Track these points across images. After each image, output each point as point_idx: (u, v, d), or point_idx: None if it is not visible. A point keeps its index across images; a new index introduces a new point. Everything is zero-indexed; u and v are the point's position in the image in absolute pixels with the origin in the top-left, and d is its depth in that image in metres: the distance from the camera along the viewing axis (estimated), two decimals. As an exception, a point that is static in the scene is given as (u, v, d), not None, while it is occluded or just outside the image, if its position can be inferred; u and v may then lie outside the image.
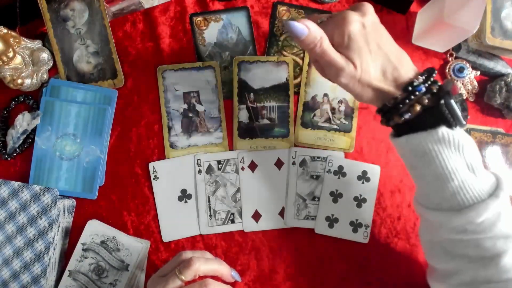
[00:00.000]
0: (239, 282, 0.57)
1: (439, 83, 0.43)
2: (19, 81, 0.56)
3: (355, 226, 0.58)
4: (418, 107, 0.42)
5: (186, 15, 0.62)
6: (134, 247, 0.55)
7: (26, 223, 0.52)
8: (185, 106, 0.60)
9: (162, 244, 0.58)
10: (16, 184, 0.52)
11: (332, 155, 0.59)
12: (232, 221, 0.58)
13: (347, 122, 0.60)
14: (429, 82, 0.42)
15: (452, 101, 0.41)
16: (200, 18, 0.62)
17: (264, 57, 0.61)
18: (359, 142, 0.60)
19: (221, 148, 0.60)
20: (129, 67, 0.61)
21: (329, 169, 0.59)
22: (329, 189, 0.59)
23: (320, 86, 0.61)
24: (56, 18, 0.58)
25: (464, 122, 0.42)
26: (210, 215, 0.58)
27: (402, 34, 0.63)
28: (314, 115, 0.61)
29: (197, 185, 0.58)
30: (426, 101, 0.42)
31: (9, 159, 0.58)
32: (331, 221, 0.58)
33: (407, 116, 0.42)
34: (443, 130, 0.41)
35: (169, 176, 0.58)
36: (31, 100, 0.59)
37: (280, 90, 0.61)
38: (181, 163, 0.59)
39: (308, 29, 0.42)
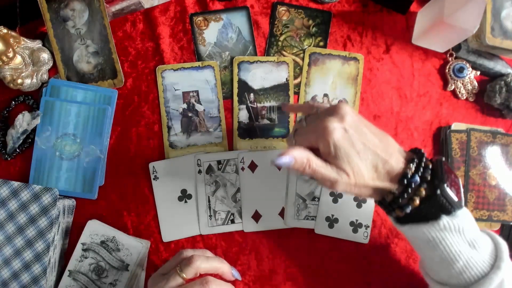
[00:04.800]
0: (239, 281, 0.57)
1: (430, 167, 0.43)
2: (19, 81, 0.56)
3: (355, 226, 0.58)
4: (417, 201, 0.42)
5: (186, 15, 0.62)
6: (134, 247, 0.55)
7: (26, 223, 0.52)
8: (185, 105, 0.60)
9: (162, 244, 0.58)
10: (16, 184, 0.52)
11: (332, 155, 0.59)
12: (232, 221, 0.58)
13: (347, 122, 0.60)
14: (421, 169, 0.43)
15: (447, 189, 0.41)
16: (200, 18, 0.62)
17: (264, 57, 0.61)
18: (359, 142, 0.60)
19: (220, 148, 0.60)
20: (129, 67, 0.61)
21: (329, 169, 0.59)
22: (329, 189, 0.59)
23: (320, 86, 0.61)
24: (56, 18, 0.58)
25: (462, 205, 0.43)
26: (210, 215, 0.58)
27: (402, 34, 0.63)
28: (314, 115, 0.61)
29: (197, 185, 0.58)
30: (424, 192, 0.42)
31: (9, 159, 0.58)
32: (331, 221, 0.58)
33: (408, 210, 0.43)
34: (444, 220, 0.42)
35: (169, 176, 0.58)
36: (31, 100, 0.59)
37: (280, 90, 0.61)
38: (181, 163, 0.59)
39: (293, 158, 0.42)
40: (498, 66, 0.61)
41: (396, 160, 0.43)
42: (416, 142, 0.61)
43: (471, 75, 0.62)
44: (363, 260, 0.58)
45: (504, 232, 0.60)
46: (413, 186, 0.42)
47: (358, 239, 0.58)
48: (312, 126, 0.45)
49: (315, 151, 0.44)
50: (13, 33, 0.56)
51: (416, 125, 0.62)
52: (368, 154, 0.43)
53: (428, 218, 0.42)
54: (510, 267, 0.43)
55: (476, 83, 0.62)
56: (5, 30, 0.55)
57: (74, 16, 0.59)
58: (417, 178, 0.42)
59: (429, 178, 0.42)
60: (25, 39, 0.58)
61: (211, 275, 0.45)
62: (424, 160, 0.43)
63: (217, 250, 0.58)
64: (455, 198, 0.42)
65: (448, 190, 0.41)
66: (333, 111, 0.44)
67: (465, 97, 0.62)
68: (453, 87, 0.62)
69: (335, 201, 0.58)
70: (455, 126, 0.60)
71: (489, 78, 0.63)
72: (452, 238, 0.42)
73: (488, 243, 0.45)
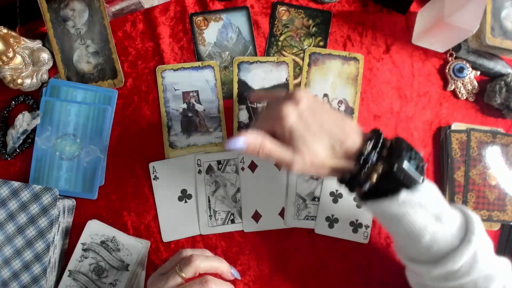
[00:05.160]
0: (239, 280, 0.57)
1: (388, 144, 0.44)
2: (19, 81, 0.56)
3: (355, 226, 0.58)
4: (374, 176, 0.43)
5: (186, 15, 0.62)
6: (134, 247, 0.55)
7: (26, 223, 0.52)
8: (185, 105, 0.60)
9: (162, 244, 0.58)
10: (16, 184, 0.52)
11: (332, 155, 0.59)
12: (232, 221, 0.58)
13: (347, 122, 0.60)
14: (378, 147, 0.43)
15: (405, 164, 0.42)
16: (200, 18, 0.62)
17: (263, 57, 0.61)
18: (359, 142, 0.60)
19: (220, 148, 0.60)
20: (129, 67, 0.61)
21: (329, 169, 0.59)
22: (329, 189, 0.59)
23: (320, 86, 0.61)
24: (56, 18, 0.58)
25: (420, 180, 0.43)
26: (210, 215, 0.58)
27: (402, 34, 0.63)
28: (314, 115, 0.61)
29: (197, 185, 0.58)
30: (381, 167, 0.42)
31: (9, 159, 0.58)
32: (331, 221, 0.58)
33: (367, 186, 0.43)
34: (403, 195, 0.42)
35: (169, 176, 0.58)
36: (31, 100, 0.59)
37: (280, 90, 0.61)
38: (181, 163, 0.59)
39: (246, 141, 0.43)
40: (498, 66, 0.61)
41: (353, 140, 0.44)
42: (416, 142, 0.61)
43: (471, 75, 0.62)
44: (363, 260, 0.58)
45: (504, 232, 0.60)
46: (369, 162, 0.43)
47: (358, 239, 0.58)
48: (269, 111, 0.46)
49: (275, 135, 0.45)
50: (13, 33, 0.56)
51: (416, 125, 0.62)
52: (324, 135, 0.44)
53: (387, 192, 0.43)
54: (483, 239, 0.43)
55: (476, 83, 0.62)
56: (5, 30, 0.55)
57: (74, 16, 0.59)
58: (374, 155, 0.43)
59: (386, 155, 0.43)
60: (25, 39, 0.58)
61: (210, 274, 0.45)
62: (382, 138, 0.44)
63: (217, 250, 0.58)
64: (413, 173, 0.42)
65: (405, 165, 0.42)
66: (289, 96, 0.45)
67: (465, 97, 0.62)
68: (453, 87, 0.62)
69: (335, 201, 0.58)
70: (455, 126, 0.60)
71: (489, 78, 0.63)
72: (414, 213, 0.43)
73: (457, 217, 0.44)
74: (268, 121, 0.46)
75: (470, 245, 0.42)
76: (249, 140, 0.44)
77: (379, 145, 0.44)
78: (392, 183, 0.42)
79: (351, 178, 0.44)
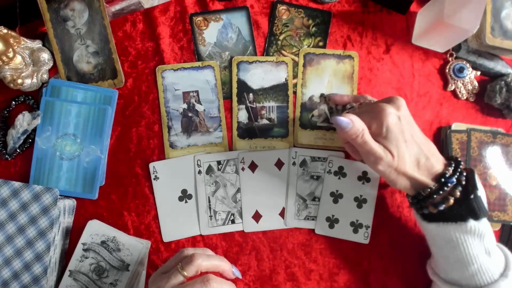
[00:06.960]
0: (240, 280, 0.57)
1: (465, 173, 0.47)
2: (19, 81, 0.56)
3: (356, 226, 0.58)
4: (451, 200, 0.45)
5: (186, 15, 0.62)
6: (135, 247, 0.55)
7: (27, 223, 0.52)
8: (185, 105, 0.60)
9: (162, 244, 0.58)
10: (16, 184, 0.52)
11: (332, 156, 0.59)
12: (233, 222, 0.58)
13: (347, 122, 0.60)
14: (457, 173, 0.46)
15: (480, 195, 0.45)
16: (200, 18, 0.62)
17: (263, 57, 0.61)
18: (359, 142, 0.60)
19: (220, 148, 0.60)
20: (129, 67, 0.61)
21: (330, 170, 0.59)
22: (330, 190, 0.59)
23: (316, 86, 0.61)
24: (56, 18, 0.58)
25: (487, 213, 0.46)
26: (211, 216, 0.58)
27: (402, 34, 0.63)
28: (312, 115, 0.61)
29: (197, 185, 0.58)
30: (458, 193, 0.45)
31: (9, 159, 0.58)
32: (332, 221, 0.58)
33: (441, 207, 0.46)
34: (471, 223, 0.45)
35: (169, 176, 0.58)
36: (31, 100, 0.59)
37: (279, 90, 0.61)
38: (181, 163, 0.59)
39: (352, 122, 0.46)
40: (498, 66, 0.61)
41: (436, 160, 0.47)
42: (416, 142, 0.61)
43: (471, 75, 0.62)
44: (363, 260, 0.58)
45: (505, 232, 0.60)
46: (449, 186, 0.46)
47: (359, 239, 0.58)
48: (367, 108, 0.49)
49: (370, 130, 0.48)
50: (13, 33, 0.56)
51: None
52: (414, 146, 0.47)
53: (457, 219, 0.46)
54: None
55: (476, 83, 0.62)
56: (5, 30, 0.55)
57: (74, 16, 0.59)
58: (454, 180, 0.46)
59: (463, 182, 0.46)
60: (25, 39, 0.58)
61: (212, 273, 0.45)
62: (460, 166, 0.47)
63: (217, 251, 0.58)
64: (484, 205, 0.45)
65: (480, 196, 0.45)
66: (391, 100, 0.49)
67: (465, 97, 0.62)
68: (453, 87, 0.62)
69: (335, 201, 0.58)
70: (455, 126, 0.60)
71: (489, 78, 0.63)
72: (472, 242, 0.46)
73: (500, 253, 0.48)
74: (366, 116, 0.48)
75: (506, 279, 0.46)
76: (355, 122, 0.46)
77: (459, 171, 0.46)
78: (464, 210, 0.45)
79: (426, 197, 0.47)
